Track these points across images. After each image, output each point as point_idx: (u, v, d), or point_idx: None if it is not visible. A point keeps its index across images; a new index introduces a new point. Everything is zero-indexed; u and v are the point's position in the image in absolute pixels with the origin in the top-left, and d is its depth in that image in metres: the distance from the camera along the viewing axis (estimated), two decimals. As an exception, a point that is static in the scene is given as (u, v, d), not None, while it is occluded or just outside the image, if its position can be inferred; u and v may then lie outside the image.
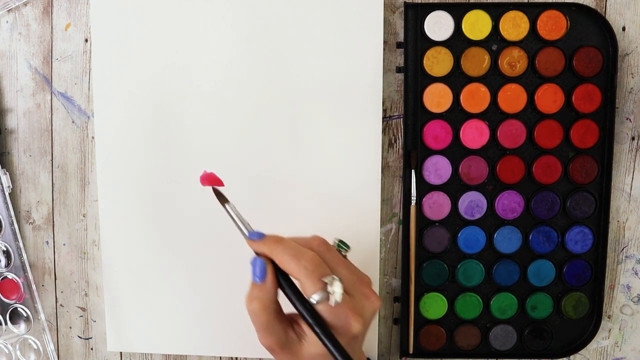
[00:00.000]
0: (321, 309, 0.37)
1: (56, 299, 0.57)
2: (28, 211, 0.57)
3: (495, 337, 0.54)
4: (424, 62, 0.50)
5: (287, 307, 0.40)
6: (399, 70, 0.52)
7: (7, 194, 0.54)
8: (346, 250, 0.43)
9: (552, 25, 0.49)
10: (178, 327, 0.55)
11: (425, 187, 0.52)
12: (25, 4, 0.54)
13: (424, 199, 0.52)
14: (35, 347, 0.56)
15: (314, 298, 0.37)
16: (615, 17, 0.51)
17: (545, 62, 0.50)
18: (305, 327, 0.39)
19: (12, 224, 0.54)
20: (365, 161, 0.52)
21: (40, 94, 0.55)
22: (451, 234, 0.52)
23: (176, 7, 0.51)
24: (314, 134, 0.52)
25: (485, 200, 0.52)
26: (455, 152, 0.52)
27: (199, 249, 0.54)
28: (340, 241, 0.43)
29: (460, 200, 0.52)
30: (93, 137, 0.55)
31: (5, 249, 0.55)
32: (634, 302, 0.55)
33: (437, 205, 0.52)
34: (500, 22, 0.50)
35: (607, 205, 0.51)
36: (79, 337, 0.58)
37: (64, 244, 0.57)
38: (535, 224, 0.52)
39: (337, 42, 0.51)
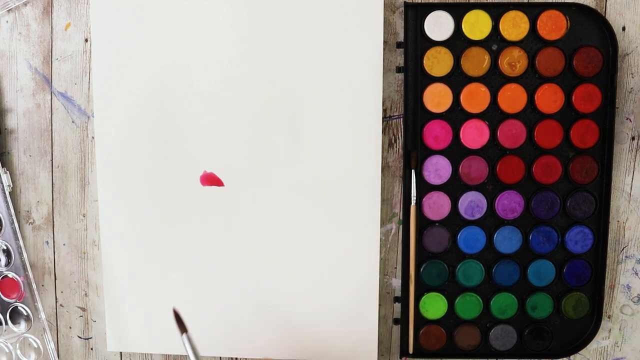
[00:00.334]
0: None
1: (56, 299, 0.57)
2: (28, 211, 0.57)
3: (495, 337, 0.54)
4: (424, 62, 0.50)
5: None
6: (399, 70, 0.52)
7: (7, 192, 0.54)
8: None
9: (552, 25, 0.49)
10: (178, 327, 0.55)
11: (425, 187, 0.52)
12: (25, 4, 0.54)
13: (424, 199, 0.52)
14: (35, 346, 0.56)
15: None
16: (615, 17, 0.51)
17: (545, 62, 0.50)
18: None
19: (12, 223, 0.54)
20: (365, 161, 0.52)
21: (40, 94, 0.55)
22: (451, 234, 0.52)
23: (176, 7, 0.51)
24: (313, 134, 0.52)
25: (485, 200, 0.52)
26: (455, 152, 0.51)
27: (199, 249, 0.54)
28: None
29: (460, 200, 0.52)
30: (93, 137, 0.55)
31: (5, 247, 0.55)
32: (634, 302, 0.55)
33: (437, 205, 0.52)
34: (500, 22, 0.50)
35: (607, 205, 0.51)
36: (79, 337, 0.58)
37: (64, 244, 0.57)
38: (535, 224, 0.52)
39: (337, 42, 0.51)
